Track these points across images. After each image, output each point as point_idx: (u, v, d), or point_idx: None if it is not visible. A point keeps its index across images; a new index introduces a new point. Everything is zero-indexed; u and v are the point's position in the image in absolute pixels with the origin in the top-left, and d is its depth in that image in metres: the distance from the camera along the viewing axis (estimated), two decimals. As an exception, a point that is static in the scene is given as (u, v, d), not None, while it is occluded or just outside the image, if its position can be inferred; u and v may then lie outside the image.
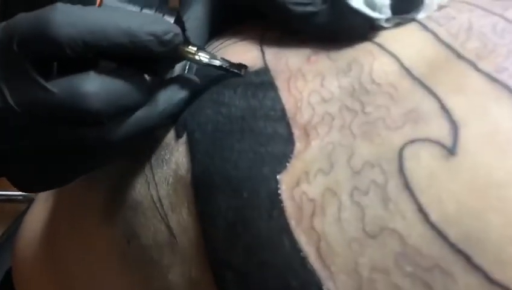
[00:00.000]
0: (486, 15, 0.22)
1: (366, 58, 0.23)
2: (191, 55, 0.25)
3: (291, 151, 0.22)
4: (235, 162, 0.23)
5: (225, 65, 0.26)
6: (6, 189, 1.39)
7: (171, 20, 0.25)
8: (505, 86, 0.19)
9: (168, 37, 0.23)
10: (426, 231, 0.17)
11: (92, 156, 0.25)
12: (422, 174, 0.18)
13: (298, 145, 0.22)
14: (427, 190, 0.18)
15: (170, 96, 0.26)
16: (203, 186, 0.24)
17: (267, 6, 0.26)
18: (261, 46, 0.28)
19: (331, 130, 0.22)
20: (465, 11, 0.23)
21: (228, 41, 0.30)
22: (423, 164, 0.18)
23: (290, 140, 0.23)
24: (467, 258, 0.16)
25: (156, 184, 0.27)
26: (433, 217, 0.17)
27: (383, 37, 0.23)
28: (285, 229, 0.20)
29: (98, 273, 0.30)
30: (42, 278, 0.38)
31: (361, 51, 0.23)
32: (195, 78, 0.27)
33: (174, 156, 0.27)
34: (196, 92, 0.27)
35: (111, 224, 0.29)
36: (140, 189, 0.27)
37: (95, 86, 0.22)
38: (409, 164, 0.18)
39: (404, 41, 0.23)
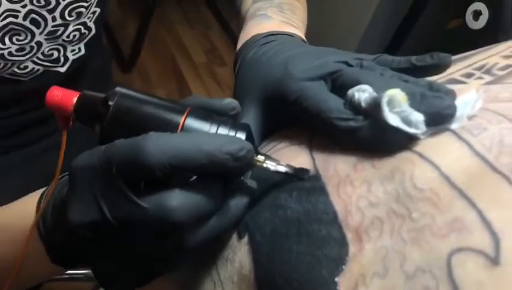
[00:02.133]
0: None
1: (407, 166, 0.26)
2: (259, 164, 0.29)
3: (346, 253, 0.25)
4: (295, 264, 0.27)
5: (290, 171, 0.29)
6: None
7: (243, 136, 0.29)
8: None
9: (241, 153, 0.27)
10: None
11: (170, 261, 0.29)
12: (470, 282, 0.21)
13: (352, 249, 0.25)
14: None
15: (237, 203, 0.29)
16: (266, 286, 0.27)
17: (313, 120, 0.30)
18: (310, 151, 0.32)
19: (382, 234, 0.25)
20: (495, 123, 0.26)
21: (278, 145, 0.34)
22: (470, 271, 0.21)
23: (344, 243, 0.26)
24: None
25: (221, 282, 0.30)
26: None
27: (421, 146, 0.27)
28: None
29: None
30: None
31: (402, 160, 0.27)
32: (255, 184, 0.31)
33: (238, 255, 0.30)
34: (255, 196, 0.31)
35: None
36: (207, 288, 0.31)
37: (179, 200, 0.26)
38: (456, 272, 0.21)
39: (442, 150, 0.26)
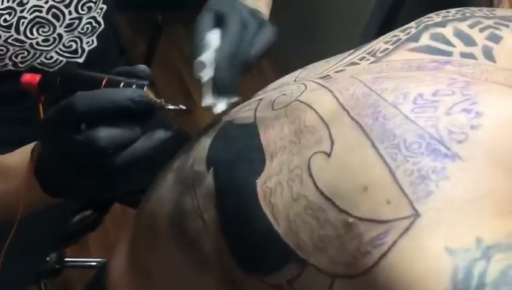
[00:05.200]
0: (363, 87, 0.43)
1: (302, 113, 0.44)
2: (157, 105, 0.47)
3: (263, 167, 0.44)
4: (237, 177, 0.45)
5: (178, 107, 0.48)
6: (86, 256, 1.69)
7: (144, 88, 0.47)
8: (359, 124, 0.39)
9: (138, 98, 0.45)
10: (317, 194, 0.38)
11: (112, 177, 0.48)
12: (316, 166, 0.39)
13: (267, 164, 0.44)
14: (319, 175, 0.38)
15: (158, 133, 0.47)
16: (221, 193, 0.46)
17: None
18: (255, 111, 0.50)
19: (283, 154, 0.43)
20: (355, 85, 0.44)
21: (238, 107, 0.53)
22: (317, 162, 0.39)
23: (263, 161, 0.44)
24: (331, 202, 0.37)
25: (197, 198, 0.49)
26: (321, 187, 0.38)
27: (310, 99, 0.45)
28: (257, 205, 0.41)
29: (164, 257, 0.52)
30: (128, 280, 0.61)
31: (300, 110, 0.45)
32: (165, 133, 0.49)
33: (206, 179, 0.49)
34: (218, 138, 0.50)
35: (172, 228, 0.52)
36: (188, 203, 0.49)
37: (102, 132, 0.44)
38: (311, 164, 0.39)
39: (321, 101, 0.44)
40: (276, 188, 0.41)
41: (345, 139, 0.39)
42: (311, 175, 0.39)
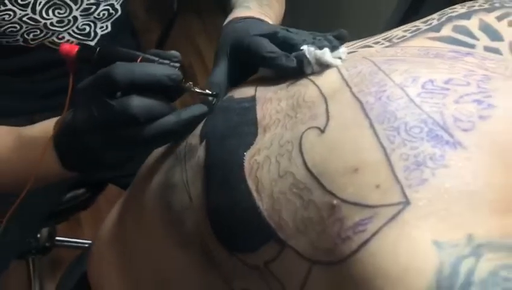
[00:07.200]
0: (371, 66, 0.41)
1: (303, 88, 0.43)
2: (187, 87, 0.49)
3: (254, 139, 0.42)
4: (228, 150, 0.43)
5: (205, 91, 0.50)
6: (78, 237, 1.69)
7: (176, 68, 0.49)
8: (360, 101, 0.37)
9: (174, 76, 0.47)
10: (305, 171, 0.36)
11: (140, 147, 0.48)
12: (307, 143, 0.37)
13: (259, 137, 0.42)
14: (309, 152, 0.37)
15: (189, 110, 0.49)
16: (211, 167, 0.44)
17: (257, 60, 0.49)
18: (255, 86, 0.49)
19: (277, 128, 0.41)
20: (364, 64, 0.42)
21: (240, 85, 0.52)
22: (309, 138, 0.37)
23: (255, 134, 0.42)
24: (318, 181, 0.35)
25: (186, 170, 0.47)
26: (309, 164, 0.36)
27: (314, 76, 0.44)
28: (243, 179, 0.40)
29: (148, 231, 0.51)
30: (111, 257, 0.60)
31: (302, 85, 0.43)
32: (203, 107, 0.50)
33: (198, 152, 0.47)
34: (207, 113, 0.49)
35: (158, 201, 0.50)
36: (176, 176, 0.48)
37: (136, 101, 0.45)
38: (303, 139, 0.37)
39: (325, 78, 0.42)
40: (264, 163, 0.39)
41: (342, 116, 0.37)
42: (301, 151, 0.37)
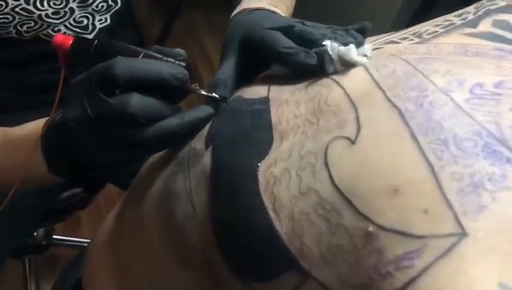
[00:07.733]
0: (405, 65, 0.35)
1: (325, 90, 0.37)
2: (192, 88, 0.44)
3: (270, 148, 0.36)
4: (238, 157, 0.38)
5: (211, 95, 0.45)
6: (76, 236, 1.64)
7: (182, 66, 0.44)
8: (397, 107, 0.32)
9: (180, 75, 0.42)
10: (332, 189, 0.30)
11: (138, 150, 0.43)
12: (334, 154, 0.31)
13: (274, 145, 0.36)
14: (337, 166, 0.31)
15: (192, 112, 0.43)
16: (217, 176, 0.39)
17: (272, 55, 0.44)
18: (268, 86, 0.43)
19: (295, 135, 0.36)
20: (395, 63, 0.36)
21: (251, 84, 0.46)
22: (336, 149, 0.32)
23: (271, 142, 0.37)
24: (349, 202, 0.29)
25: (190, 180, 0.42)
26: (337, 181, 0.31)
27: (338, 75, 0.38)
28: (257, 193, 0.34)
29: (146, 244, 0.46)
30: (106, 269, 0.55)
31: (323, 85, 0.38)
32: (209, 108, 0.44)
33: (204, 158, 0.42)
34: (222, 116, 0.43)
35: (158, 210, 0.45)
36: (179, 185, 0.43)
37: (135, 99, 0.40)
38: (329, 150, 0.32)
39: (351, 78, 0.37)
40: (282, 177, 0.34)
41: (376, 125, 0.32)
42: (326, 165, 0.32)
